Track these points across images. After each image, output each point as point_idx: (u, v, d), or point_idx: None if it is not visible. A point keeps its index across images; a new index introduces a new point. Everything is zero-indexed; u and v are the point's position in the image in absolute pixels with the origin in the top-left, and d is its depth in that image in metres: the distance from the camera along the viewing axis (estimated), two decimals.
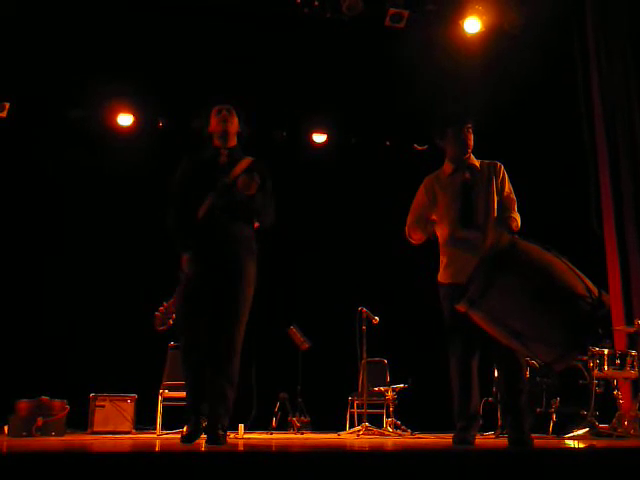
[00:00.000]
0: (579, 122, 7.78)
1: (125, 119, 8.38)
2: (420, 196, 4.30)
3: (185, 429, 3.86)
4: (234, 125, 4.12)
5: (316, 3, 7.46)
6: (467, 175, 4.16)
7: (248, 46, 7.60)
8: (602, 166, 7.47)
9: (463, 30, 7.82)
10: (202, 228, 3.90)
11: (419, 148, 9.18)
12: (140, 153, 7.96)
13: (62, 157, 7.84)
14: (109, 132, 8.32)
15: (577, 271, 3.38)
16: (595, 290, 3.32)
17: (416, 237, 4.26)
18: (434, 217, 4.24)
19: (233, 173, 3.97)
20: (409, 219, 4.31)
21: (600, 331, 3.43)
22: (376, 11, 7.60)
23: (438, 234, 4.22)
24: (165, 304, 3.70)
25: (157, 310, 3.71)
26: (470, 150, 4.21)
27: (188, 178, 4.06)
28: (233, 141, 4.14)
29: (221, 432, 3.71)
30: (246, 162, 4.08)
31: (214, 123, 4.12)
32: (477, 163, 4.23)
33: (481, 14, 7.72)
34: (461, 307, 3.43)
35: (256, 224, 4.11)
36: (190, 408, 3.87)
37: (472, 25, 7.76)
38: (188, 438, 3.77)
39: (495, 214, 4.11)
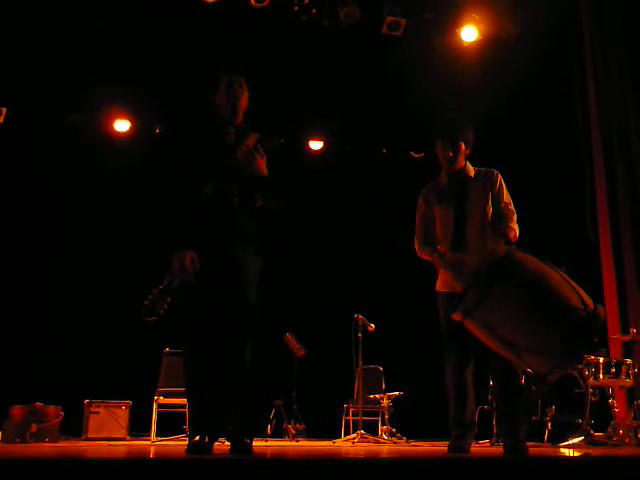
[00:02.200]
0: (576, 131, 7.81)
1: (122, 125, 8.40)
2: (420, 209, 4.28)
3: (197, 439, 3.51)
4: (244, 101, 3.78)
5: (314, 11, 7.48)
6: (460, 183, 4.14)
7: (245, 53, 7.62)
8: (598, 176, 7.49)
9: (460, 39, 7.85)
10: (206, 216, 3.59)
11: (415, 156, 9.20)
12: (137, 159, 7.96)
13: (59, 162, 7.83)
14: (106, 138, 8.32)
15: (572, 283, 3.38)
16: (590, 302, 3.32)
17: (427, 259, 4.24)
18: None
19: (239, 152, 3.68)
20: (416, 239, 4.28)
21: (596, 340, 3.43)
22: (373, 19, 7.63)
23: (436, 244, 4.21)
24: (154, 291, 3.51)
25: (146, 299, 3.49)
26: (457, 161, 4.17)
27: (192, 158, 3.73)
28: (241, 117, 3.81)
29: (247, 440, 3.50)
30: (253, 139, 3.76)
31: (223, 96, 3.77)
32: (472, 172, 4.21)
33: (478, 23, 7.75)
34: (456, 316, 3.43)
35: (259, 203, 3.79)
36: (197, 419, 3.62)
37: (469, 34, 7.79)
38: (199, 449, 3.48)
39: (490, 223, 4.09)
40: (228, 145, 3.73)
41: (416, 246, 4.28)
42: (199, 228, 3.60)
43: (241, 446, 3.49)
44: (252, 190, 3.70)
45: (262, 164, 3.70)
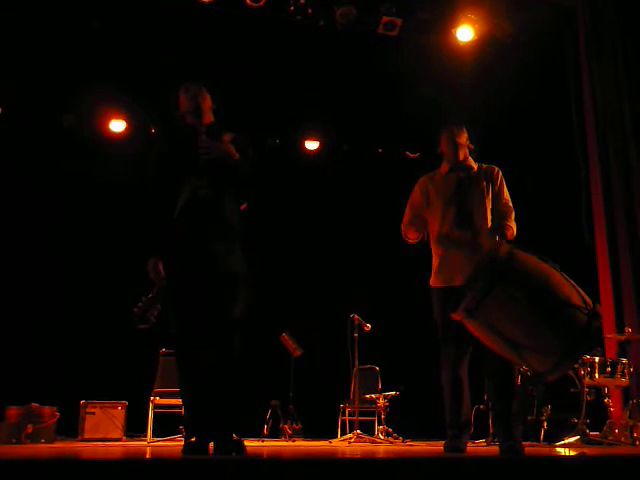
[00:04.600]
0: (571, 129, 7.82)
1: (117, 125, 8.39)
2: (415, 195, 4.29)
3: (193, 440, 3.51)
4: (206, 100, 3.83)
5: (309, 11, 7.48)
6: (462, 175, 4.17)
7: (241, 53, 7.62)
8: (593, 174, 7.50)
9: (456, 38, 7.86)
10: (185, 218, 3.62)
11: (411, 156, 9.21)
12: (132, 159, 7.95)
13: (54, 162, 7.83)
14: (101, 138, 8.31)
15: (572, 282, 3.39)
16: (589, 301, 3.34)
17: (412, 236, 4.25)
18: (427, 217, 4.23)
19: (213, 150, 3.70)
20: (405, 218, 4.29)
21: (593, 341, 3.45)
22: (369, 19, 7.63)
23: (430, 237, 4.21)
24: (143, 299, 3.50)
25: (135, 307, 3.49)
26: (462, 151, 4.21)
27: (166, 163, 3.74)
28: (209, 117, 3.86)
29: (235, 437, 3.50)
30: (227, 138, 3.81)
31: (184, 102, 3.82)
32: (474, 165, 4.23)
33: (474, 23, 7.76)
34: (457, 316, 3.43)
35: (242, 206, 3.80)
36: (192, 420, 3.61)
37: (465, 34, 7.80)
38: (195, 449, 3.47)
39: (490, 218, 4.10)
40: (200, 145, 3.73)
41: (402, 227, 4.28)
42: (176, 227, 3.62)
43: (226, 445, 3.47)
44: (226, 183, 3.71)
45: (230, 149, 3.71)
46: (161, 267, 3.57)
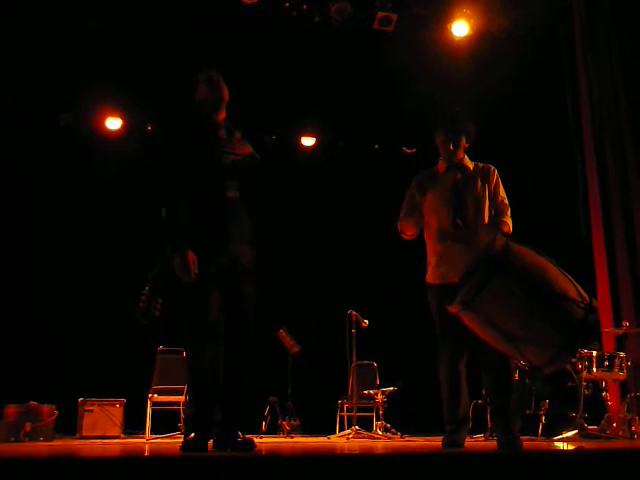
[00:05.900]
0: (567, 124, 7.83)
1: (114, 123, 8.37)
2: (411, 191, 4.29)
3: (192, 436, 3.46)
4: (227, 95, 3.72)
5: (304, 7, 7.47)
6: (459, 176, 4.17)
7: (236, 50, 7.60)
8: (590, 169, 7.51)
9: (451, 34, 7.86)
10: (212, 219, 3.55)
11: (408, 152, 9.21)
12: (129, 157, 7.94)
13: (51, 161, 7.82)
14: (98, 136, 8.30)
15: (568, 276, 3.40)
16: (586, 296, 3.35)
17: (408, 232, 4.22)
18: (424, 214, 4.22)
19: (236, 149, 3.66)
20: (401, 213, 4.28)
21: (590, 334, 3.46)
22: (364, 15, 7.62)
23: (426, 234, 4.21)
24: (144, 292, 3.48)
25: (140, 301, 3.46)
26: (458, 150, 4.21)
27: (189, 157, 3.59)
28: (224, 112, 3.74)
29: (240, 435, 3.48)
30: (238, 136, 3.78)
31: (205, 90, 3.69)
32: (471, 165, 4.24)
33: (469, 18, 7.76)
34: (453, 308, 3.43)
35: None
36: (200, 416, 3.56)
37: (460, 29, 7.80)
38: (194, 447, 3.43)
39: (486, 216, 4.12)
40: (223, 141, 3.70)
41: (398, 223, 4.23)
42: (201, 228, 3.56)
43: (232, 442, 3.45)
44: (250, 185, 3.70)
45: (250, 149, 3.73)
46: (195, 263, 3.47)
